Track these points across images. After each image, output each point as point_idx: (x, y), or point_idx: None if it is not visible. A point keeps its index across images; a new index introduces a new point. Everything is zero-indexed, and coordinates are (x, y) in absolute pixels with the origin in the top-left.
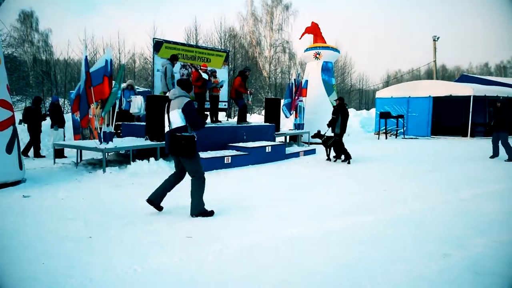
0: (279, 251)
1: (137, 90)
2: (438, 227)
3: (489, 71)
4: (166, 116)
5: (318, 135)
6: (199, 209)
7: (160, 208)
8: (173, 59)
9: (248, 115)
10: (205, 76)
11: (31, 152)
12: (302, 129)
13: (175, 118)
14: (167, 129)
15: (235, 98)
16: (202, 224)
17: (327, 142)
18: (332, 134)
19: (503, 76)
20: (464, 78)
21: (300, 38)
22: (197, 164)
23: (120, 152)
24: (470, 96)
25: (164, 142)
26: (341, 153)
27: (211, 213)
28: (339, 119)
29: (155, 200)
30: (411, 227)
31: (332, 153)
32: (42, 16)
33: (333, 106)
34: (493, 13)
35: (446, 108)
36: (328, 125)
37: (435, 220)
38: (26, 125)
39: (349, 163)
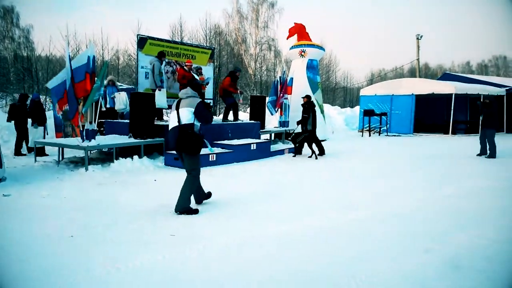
0: (264, 249)
1: (121, 87)
2: (422, 223)
3: (470, 69)
4: (174, 112)
5: (288, 135)
6: (184, 206)
7: (209, 195)
8: (160, 56)
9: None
10: (197, 77)
11: (25, 150)
12: (287, 126)
13: (184, 115)
14: (174, 125)
15: (223, 96)
16: (186, 222)
17: (296, 139)
18: (300, 131)
19: (484, 75)
20: (447, 76)
21: (287, 38)
22: (197, 163)
23: (103, 150)
24: (452, 94)
25: (148, 140)
26: (319, 148)
27: (195, 211)
28: (310, 116)
29: (202, 197)
30: (396, 223)
31: (311, 151)
32: (23, 11)
33: (302, 105)
34: (475, 13)
35: (429, 106)
36: (298, 123)
37: (419, 216)
38: (13, 121)
39: (316, 158)
